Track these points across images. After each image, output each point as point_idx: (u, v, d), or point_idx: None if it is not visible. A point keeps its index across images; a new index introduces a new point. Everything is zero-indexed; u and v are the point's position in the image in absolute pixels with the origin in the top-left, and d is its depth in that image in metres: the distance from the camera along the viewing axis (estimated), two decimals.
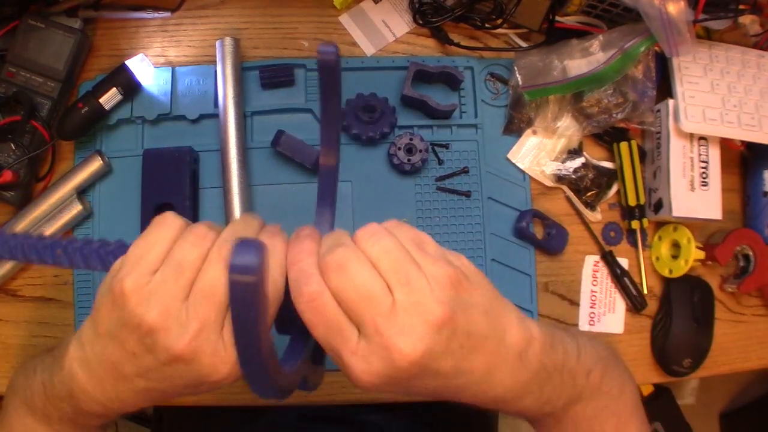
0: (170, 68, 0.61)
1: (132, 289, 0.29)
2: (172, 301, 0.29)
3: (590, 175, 0.64)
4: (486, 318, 0.32)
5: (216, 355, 0.30)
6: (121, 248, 0.32)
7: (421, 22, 0.63)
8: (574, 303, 0.63)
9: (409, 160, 0.60)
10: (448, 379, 0.32)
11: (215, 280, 0.29)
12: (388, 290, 0.29)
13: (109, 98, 0.58)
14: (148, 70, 0.60)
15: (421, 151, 0.60)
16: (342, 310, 0.29)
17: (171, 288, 0.29)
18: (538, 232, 0.62)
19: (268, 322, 0.29)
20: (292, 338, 0.34)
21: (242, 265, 0.23)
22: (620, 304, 0.63)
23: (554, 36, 0.63)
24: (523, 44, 0.65)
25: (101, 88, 0.58)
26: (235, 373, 0.31)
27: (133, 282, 0.29)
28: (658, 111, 0.62)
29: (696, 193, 0.61)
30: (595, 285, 0.63)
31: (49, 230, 0.58)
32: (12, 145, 0.57)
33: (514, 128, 0.64)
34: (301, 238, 0.32)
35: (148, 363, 0.30)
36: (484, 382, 0.33)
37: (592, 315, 0.63)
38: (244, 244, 0.23)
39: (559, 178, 0.64)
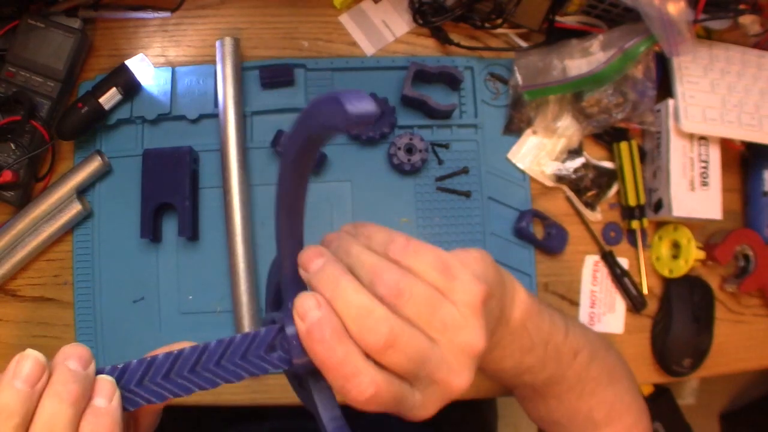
0: (170, 68, 0.61)
1: None
2: None
3: (590, 175, 0.64)
4: (498, 306, 0.34)
5: None
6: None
7: (421, 21, 0.63)
8: (574, 303, 0.63)
9: (409, 160, 0.60)
10: None
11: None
12: (431, 339, 0.28)
13: (109, 98, 0.58)
14: (148, 70, 0.60)
15: (421, 151, 0.60)
16: (395, 378, 0.28)
17: None
18: (538, 232, 0.62)
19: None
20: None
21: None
22: (620, 304, 0.63)
23: (554, 36, 0.62)
24: (523, 44, 0.65)
25: (101, 88, 0.58)
26: None
27: None
28: (658, 111, 0.62)
29: (696, 193, 0.60)
30: (595, 285, 0.63)
31: (48, 230, 0.58)
32: (12, 145, 0.57)
33: (514, 128, 0.64)
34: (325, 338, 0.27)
35: None
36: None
37: (592, 315, 0.63)
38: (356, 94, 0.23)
39: (559, 178, 0.63)
